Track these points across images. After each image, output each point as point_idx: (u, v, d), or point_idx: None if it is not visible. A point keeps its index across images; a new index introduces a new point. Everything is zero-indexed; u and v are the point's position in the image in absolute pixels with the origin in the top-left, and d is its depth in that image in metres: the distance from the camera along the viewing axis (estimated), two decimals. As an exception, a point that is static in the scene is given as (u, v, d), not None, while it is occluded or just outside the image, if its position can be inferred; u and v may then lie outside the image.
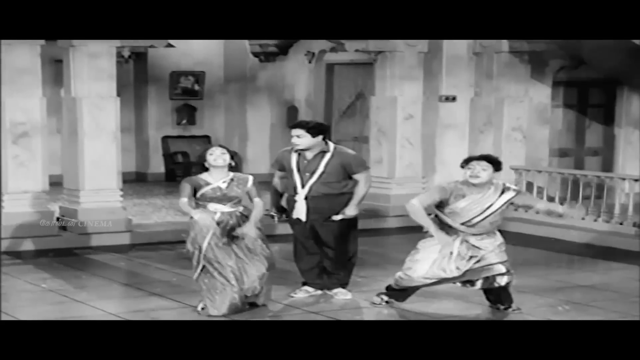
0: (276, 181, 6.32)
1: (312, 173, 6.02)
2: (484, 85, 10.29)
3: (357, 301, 6.22)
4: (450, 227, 5.77)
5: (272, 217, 9.99)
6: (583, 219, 9.29)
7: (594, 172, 9.86)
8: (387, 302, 6.04)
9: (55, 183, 9.19)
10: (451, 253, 5.75)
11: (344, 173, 6.05)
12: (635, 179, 8.99)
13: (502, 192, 5.77)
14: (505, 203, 5.77)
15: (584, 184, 9.47)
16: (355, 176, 6.10)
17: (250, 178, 5.99)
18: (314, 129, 6.04)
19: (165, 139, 14.41)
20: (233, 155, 5.98)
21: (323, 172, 6.01)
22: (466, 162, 5.81)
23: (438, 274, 5.76)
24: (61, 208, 9.08)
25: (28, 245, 8.38)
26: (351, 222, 6.19)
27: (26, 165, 8.48)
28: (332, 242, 6.12)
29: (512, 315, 5.88)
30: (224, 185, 5.84)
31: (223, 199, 5.83)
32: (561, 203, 9.37)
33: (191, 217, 5.77)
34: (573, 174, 9.66)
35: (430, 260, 5.78)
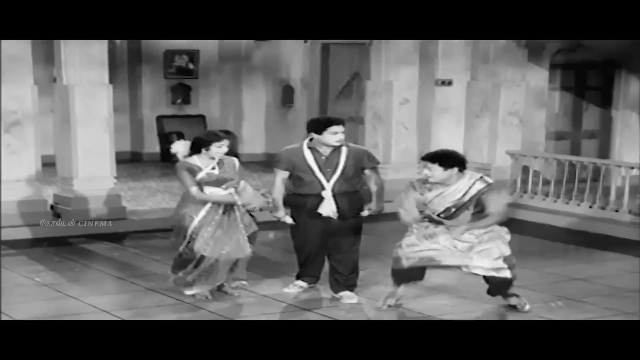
0: (279, 183, 6.11)
1: (335, 169, 5.89)
2: (480, 69, 10.21)
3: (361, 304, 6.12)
4: (434, 220, 5.74)
5: (268, 202, 10.01)
6: (579, 205, 9.29)
7: (590, 158, 9.81)
8: (389, 305, 5.96)
9: (48, 164, 9.09)
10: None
11: (358, 169, 5.98)
12: (631, 167, 8.96)
13: (474, 184, 5.66)
14: (476, 194, 5.64)
15: (580, 168, 9.43)
16: (367, 171, 6.02)
17: (236, 160, 6.08)
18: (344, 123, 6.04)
19: (159, 118, 14.32)
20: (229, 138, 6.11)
21: (345, 167, 5.90)
22: (421, 159, 5.95)
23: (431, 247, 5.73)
24: (55, 195, 9.05)
25: (22, 234, 8.37)
26: (360, 224, 6.09)
27: (18, 154, 8.43)
28: (346, 243, 6.02)
29: (506, 315, 5.86)
30: (215, 170, 5.93)
31: (219, 181, 5.92)
32: (558, 194, 9.37)
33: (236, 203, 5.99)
34: (569, 160, 9.61)
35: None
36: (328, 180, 5.89)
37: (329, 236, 6.01)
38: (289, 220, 6.12)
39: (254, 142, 14.56)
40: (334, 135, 5.86)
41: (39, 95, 8.54)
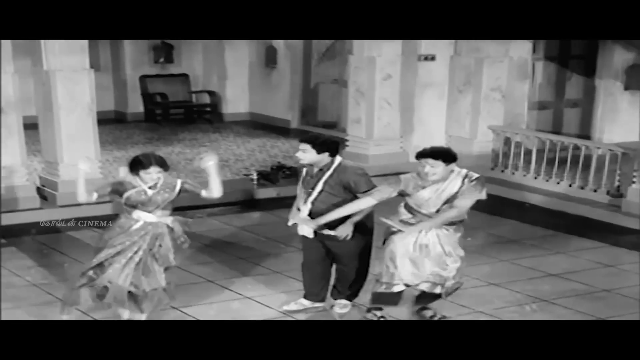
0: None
1: (313, 188, 5.82)
2: (463, 44, 10.18)
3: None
4: (424, 214, 5.67)
5: (252, 180, 10.08)
6: (558, 183, 9.45)
7: (570, 138, 9.90)
8: (382, 317, 5.96)
9: (31, 125, 9.11)
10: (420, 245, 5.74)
11: (345, 191, 5.78)
12: (610, 149, 9.07)
13: (464, 179, 5.58)
14: (458, 190, 5.57)
15: (561, 147, 9.54)
16: (360, 196, 5.74)
17: (179, 182, 5.71)
18: (321, 146, 5.75)
19: (143, 78, 14.26)
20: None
21: (322, 190, 5.78)
22: (418, 157, 5.62)
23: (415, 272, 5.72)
24: (41, 178, 9.13)
25: (10, 220, 8.46)
26: (364, 240, 5.98)
27: (4, 142, 8.46)
28: (345, 256, 6.00)
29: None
30: (149, 191, 5.61)
31: (149, 204, 5.63)
32: (538, 171, 9.50)
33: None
34: (549, 138, 9.71)
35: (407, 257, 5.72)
36: (305, 202, 5.87)
37: (327, 253, 6.04)
38: (289, 223, 6.01)
39: (237, 102, 14.55)
40: (297, 152, 5.83)
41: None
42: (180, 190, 5.72)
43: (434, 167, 5.49)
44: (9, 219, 8.44)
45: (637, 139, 9.51)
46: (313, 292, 6.20)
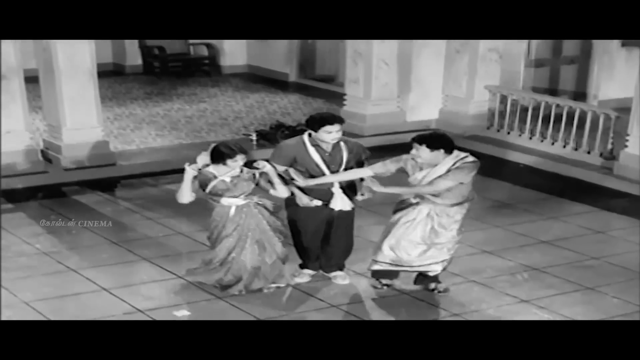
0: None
1: (339, 164, 6.09)
2: (462, 4, 10.17)
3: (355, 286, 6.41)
4: (422, 197, 5.97)
5: (251, 140, 10.22)
6: (553, 144, 9.62)
7: (565, 100, 10.02)
8: (386, 285, 6.28)
9: (31, 78, 9.18)
10: (414, 219, 6.00)
11: (356, 162, 6.15)
12: (604, 112, 9.21)
13: (457, 161, 5.80)
14: (446, 172, 5.78)
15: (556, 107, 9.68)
16: (365, 163, 6.16)
17: (257, 173, 6.03)
18: (343, 121, 6.12)
19: (141, 30, 14.20)
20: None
21: (348, 162, 6.10)
22: (412, 140, 5.89)
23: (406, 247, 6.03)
24: (45, 141, 9.29)
25: (16, 183, 8.65)
26: (352, 209, 6.31)
27: (7, 107, 8.58)
28: (343, 229, 6.29)
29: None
30: (228, 179, 5.97)
31: (234, 190, 5.98)
32: (533, 131, 9.64)
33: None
34: (545, 100, 9.83)
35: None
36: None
37: (327, 224, 6.27)
38: (317, 202, 6.15)
39: (235, 55, 14.59)
40: (328, 135, 6.01)
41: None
42: (257, 183, 6.05)
43: (418, 151, 5.81)
44: (14, 183, 8.64)
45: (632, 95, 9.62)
46: (312, 261, 6.48)
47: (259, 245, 6.13)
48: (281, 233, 6.23)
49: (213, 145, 6.08)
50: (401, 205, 6.13)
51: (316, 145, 6.07)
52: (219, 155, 5.95)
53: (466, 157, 5.87)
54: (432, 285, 6.29)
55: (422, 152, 5.79)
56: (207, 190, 6.02)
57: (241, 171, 6.02)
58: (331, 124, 5.99)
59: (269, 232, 6.14)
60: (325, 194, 6.16)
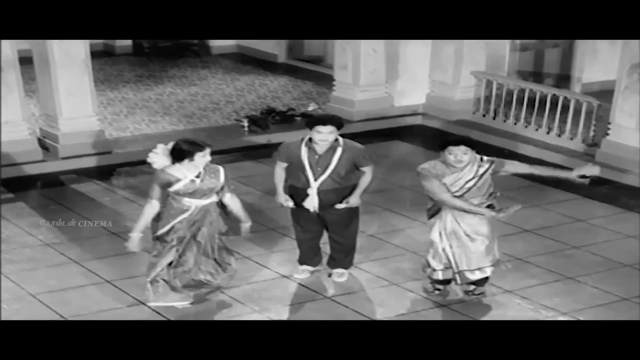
0: (279, 171, 6.36)
1: (325, 168, 6.15)
2: (449, -9, 10.34)
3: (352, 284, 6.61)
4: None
5: (242, 126, 10.42)
6: (537, 130, 9.89)
7: (549, 88, 10.26)
8: (437, 289, 6.40)
9: (25, 59, 9.27)
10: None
11: (352, 167, 6.22)
12: (587, 100, 9.47)
13: (479, 166, 5.97)
14: (482, 176, 5.98)
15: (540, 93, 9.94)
16: (362, 168, 6.26)
17: (222, 169, 5.90)
18: (340, 125, 6.16)
19: (130, 11, 14.26)
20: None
21: (335, 168, 6.16)
22: (443, 146, 5.88)
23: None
24: (42, 130, 9.49)
25: (15, 172, 8.86)
26: (356, 211, 6.45)
27: (4, 98, 8.76)
28: (339, 230, 6.45)
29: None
30: (197, 180, 5.77)
31: (197, 192, 5.80)
32: (517, 116, 9.89)
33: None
34: (530, 87, 10.08)
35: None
36: (316, 179, 6.18)
37: (326, 222, 6.45)
38: (290, 204, 6.33)
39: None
40: (317, 134, 6.05)
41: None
42: (225, 180, 5.86)
43: (466, 154, 5.85)
44: (14, 172, 8.85)
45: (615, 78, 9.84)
46: (312, 259, 6.71)
47: (200, 247, 5.97)
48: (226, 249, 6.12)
49: (172, 144, 5.81)
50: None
51: (310, 147, 6.20)
52: (186, 152, 5.66)
53: (482, 158, 6.09)
54: (470, 287, 6.42)
55: (469, 155, 5.88)
56: (171, 192, 5.78)
57: (204, 171, 5.77)
58: (323, 124, 6.05)
59: (215, 239, 6.00)
60: (304, 194, 6.28)
